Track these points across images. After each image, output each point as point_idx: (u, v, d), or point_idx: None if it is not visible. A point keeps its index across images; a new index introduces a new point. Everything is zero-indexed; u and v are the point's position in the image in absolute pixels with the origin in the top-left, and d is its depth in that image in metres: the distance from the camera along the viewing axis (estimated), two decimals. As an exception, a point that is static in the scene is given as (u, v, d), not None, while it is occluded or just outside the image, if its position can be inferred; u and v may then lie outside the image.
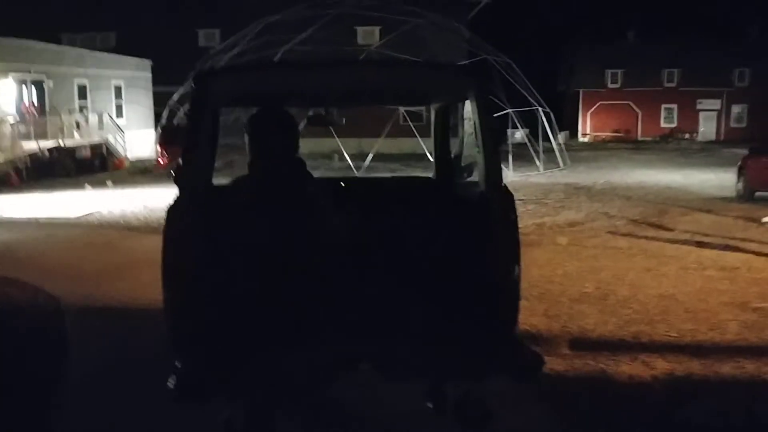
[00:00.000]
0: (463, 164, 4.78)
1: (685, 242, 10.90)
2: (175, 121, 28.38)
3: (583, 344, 5.89)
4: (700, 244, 10.64)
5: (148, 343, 5.75)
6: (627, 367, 5.34)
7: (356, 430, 4.52)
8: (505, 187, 3.76)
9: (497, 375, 3.67)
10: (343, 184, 4.92)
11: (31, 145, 24.94)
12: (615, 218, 13.64)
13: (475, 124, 3.91)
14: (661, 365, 5.37)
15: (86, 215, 14.68)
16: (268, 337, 3.50)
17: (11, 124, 25.05)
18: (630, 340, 6.04)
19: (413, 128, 28.55)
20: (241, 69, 4.51)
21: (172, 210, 3.63)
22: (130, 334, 6.17)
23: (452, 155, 4.98)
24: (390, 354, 3.64)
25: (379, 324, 3.72)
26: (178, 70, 27.47)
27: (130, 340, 6.01)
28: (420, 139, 27.42)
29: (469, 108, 4.10)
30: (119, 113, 33.20)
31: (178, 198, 3.65)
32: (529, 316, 6.67)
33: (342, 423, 4.53)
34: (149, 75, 36.65)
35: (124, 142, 30.85)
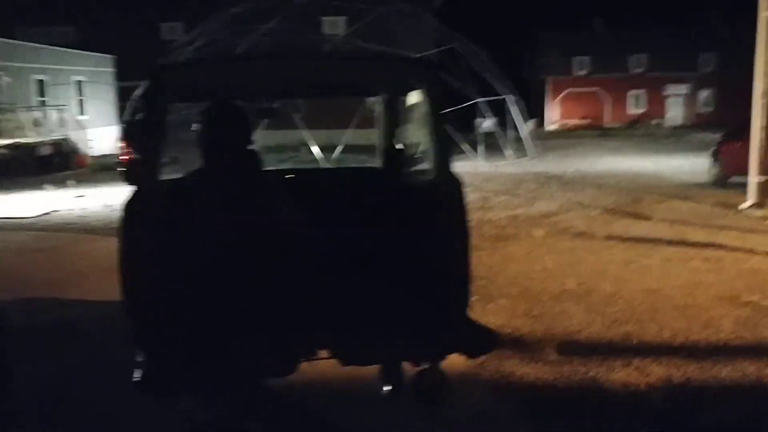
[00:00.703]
0: (409, 154, 5.07)
1: (664, 232, 10.58)
2: (137, 117, 27.59)
3: (570, 348, 5.49)
4: (680, 234, 10.32)
5: (98, 355, 5.30)
6: (620, 374, 4.94)
7: (317, 418, 4.49)
8: (455, 174, 4.01)
9: (453, 353, 3.94)
10: (292, 176, 5.03)
11: (-13, 143, 24.11)
12: (589, 208, 13.29)
13: (425, 114, 4.05)
14: (656, 371, 4.98)
15: (43, 216, 14.01)
16: (225, 328, 3.56)
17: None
18: (620, 342, 5.66)
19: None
20: (195, 63, 4.61)
21: (128, 206, 3.74)
22: (78, 347, 5.67)
23: (399, 145, 5.20)
24: (347, 341, 3.81)
25: (335, 312, 3.82)
26: (142, 65, 26.70)
27: (76, 353, 5.51)
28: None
29: (414, 99, 4.24)
30: (81, 110, 32.31)
31: (133, 194, 3.74)
32: (511, 318, 6.29)
33: (303, 412, 4.48)
34: (112, 70, 35.75)
35: (87, 138, 29.98)
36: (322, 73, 4.38)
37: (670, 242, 9.72)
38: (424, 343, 3.93)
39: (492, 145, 26.47)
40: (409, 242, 4.23)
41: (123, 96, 33.18)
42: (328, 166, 19.33)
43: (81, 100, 32.81)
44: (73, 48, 33.80)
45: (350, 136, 27.29)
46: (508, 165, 23.58)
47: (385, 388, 4.36)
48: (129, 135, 26.66)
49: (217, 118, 3.80)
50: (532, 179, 18.82)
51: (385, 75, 4.53)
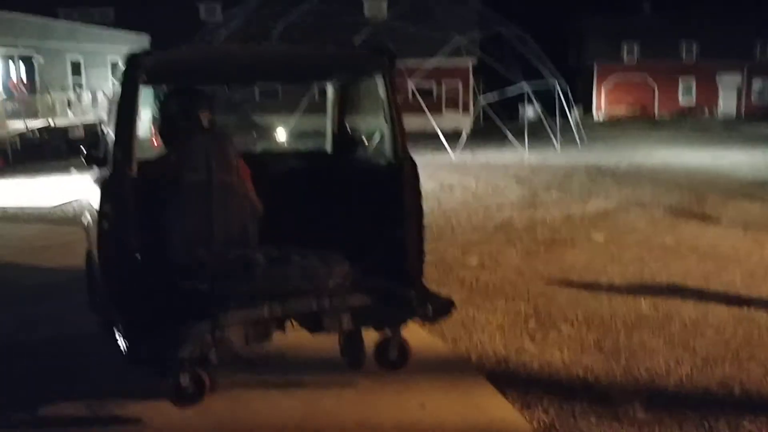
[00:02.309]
0: (358, 138, 5.60)
1: (738, 237, 9.44)
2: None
3: (658, 399, 4.44)
4: (758, 241, 9.17)
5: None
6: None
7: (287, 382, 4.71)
8: (410, 156, 4.60)
9: (412, 318, 4.41)
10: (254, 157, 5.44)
11: (19, 125, 23.54)
12: (650, 207, 12.14)
13: (382, 100, 4.58)
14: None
15: (63, 205, 13.25)
16: (203, 300, 3.94)
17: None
18: (718, 391, 4.60)
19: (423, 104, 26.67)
20: (168, 51, 4.64)
21: (106, 187, 4.20)
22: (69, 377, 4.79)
23: (350, 130, 5.66)
24: (313, 311, 4.12)
25: (301, 283, 4.11)
26: (178, 44, 26.01)
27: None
28: (431, 116, 25.74)
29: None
30: (115, 91, 31.68)
31: (110, 175, 4.18)
32: (579, 352, 5.26)
33: (275, 379, 4.74)
34: (147, 51, 35.06)
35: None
36: (284, 60, 4.96)
37: (749, 251, 8.59)
38: (386, 310, 4.31)
39: (537, 134, 25.26)
40: (367, 218, 4.84)
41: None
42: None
43: (114, 82, 32.22)
44: (113, 27, 33.31)
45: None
46: (555, 156, 22.38)
47: (344, 358, 4.69)
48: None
49: (189, 102, 4.62)
50: (583, 172, 17.64)
51: (344, 62, 5.01)
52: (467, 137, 24.72)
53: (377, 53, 4.64)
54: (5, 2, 24.70)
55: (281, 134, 23.83)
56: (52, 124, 24.64)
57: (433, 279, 7.21)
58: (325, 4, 29.58)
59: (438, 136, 24.00)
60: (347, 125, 5.66)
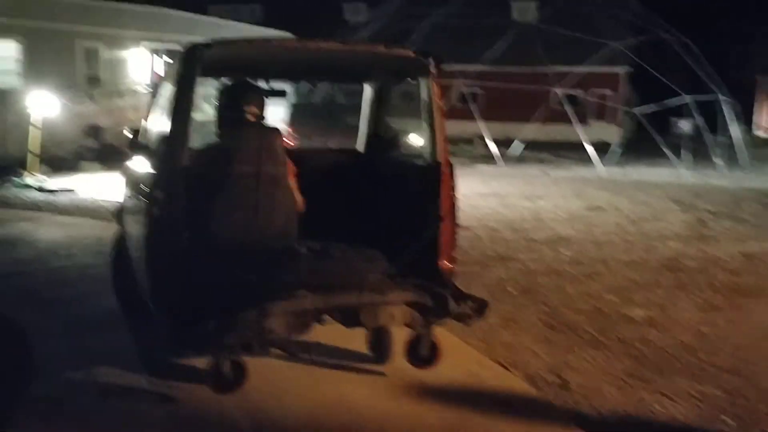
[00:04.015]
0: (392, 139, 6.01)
1: None
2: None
3: None
4: None
5: None
6: None
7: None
8: (449, 159, 4.74)
9: (446, 317, 4.48)
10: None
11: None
12: None
13: (424, 102, 4.75)
14: None
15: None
16: (250, 289, 4.06)
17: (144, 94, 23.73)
18: None
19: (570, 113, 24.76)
20: (225, 44, 4.50)
21: (158, 174, 4.34)
22: None
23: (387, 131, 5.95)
24: (352, 305, 4.27)
25: (343, 277, 4.31)
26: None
27: None
28: (578, 126, 23.83)
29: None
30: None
31: (163, 163, 4.28)
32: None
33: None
34: (288, 49, 35.01)
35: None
36: (328, 58, 4.94)
37: None
38: (421, 308, 4.35)
39: (694, 151, 22.81)
40: (403, 217, 4.95)
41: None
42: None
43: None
44: (258, 25, 33.37)
45: (532, 130, 24.65)
46: (718, 177, 20.02)
47: (370, 353, 4.93)
48: (295, 118, 25.74)
49: (242, 95, 4.66)
50: (754, 198, 15.43)
51: (389, 63, 5.08)
52: (617, 151, 22.73)
53: (422, 56, 4.63)
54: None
55: (415, 140, 22.37)
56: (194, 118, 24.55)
57: (586, 338, 5.77)
58: (471, 5, 28.39)
59: (583, 147, 22.16)
60: (384, 125, 5.89)
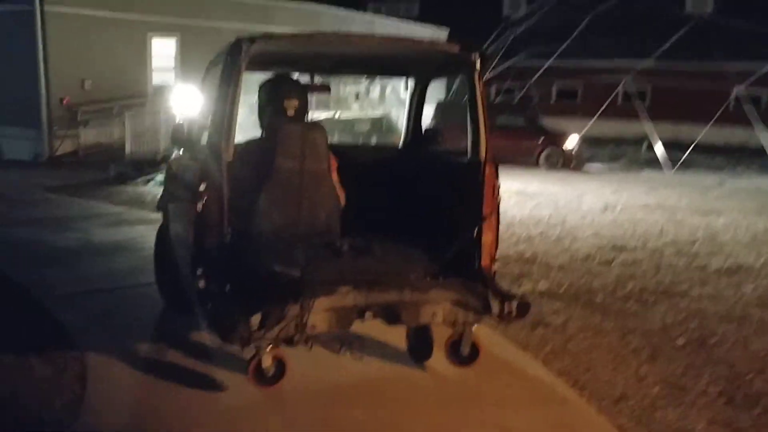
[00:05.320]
0: (434, 135, 5.77)
1: None
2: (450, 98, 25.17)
3: None
4: None
5: None
6: None
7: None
8: (493, 157, 4.59)
9: (487, 317, 4.44)
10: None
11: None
12: None
13: (470, 99, 4.59)
14: None
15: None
16: (294, 284, 4.02)
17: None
18: None
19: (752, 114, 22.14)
20: (268, 37, 4.36)
21: (204, 168, 4.29)
22: None
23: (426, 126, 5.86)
24: (394, 303, 4.23)
25: (385, 275, 4.30)
26: (478, 40, 24.49)
27: None
28: (760, 129, 21.24)
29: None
30: (406, 84, 30.79)
31: (209, 157, 4.27)
32: None
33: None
34: (445, 45, 34.05)
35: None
36: (372, 53, 4.97)
37: None
38: (463, 307, 4.35)
39: None
40: (446, 215, 4.83)
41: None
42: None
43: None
44: (416, 21, 32.66)
45: (705, 133, 22.27)
46: None
47: (408, 352, 4.92)
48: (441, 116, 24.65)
49: (268, 89, 4.74)
50: None
51: (432, 58, 5.09)
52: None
53: (468, 50, 4.55)
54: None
55: (572, 141, 20.65)
56: (337, 117, 24.00)
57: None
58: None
59: (765, 154, 19.72)
60: (421, 121, 5.82)
